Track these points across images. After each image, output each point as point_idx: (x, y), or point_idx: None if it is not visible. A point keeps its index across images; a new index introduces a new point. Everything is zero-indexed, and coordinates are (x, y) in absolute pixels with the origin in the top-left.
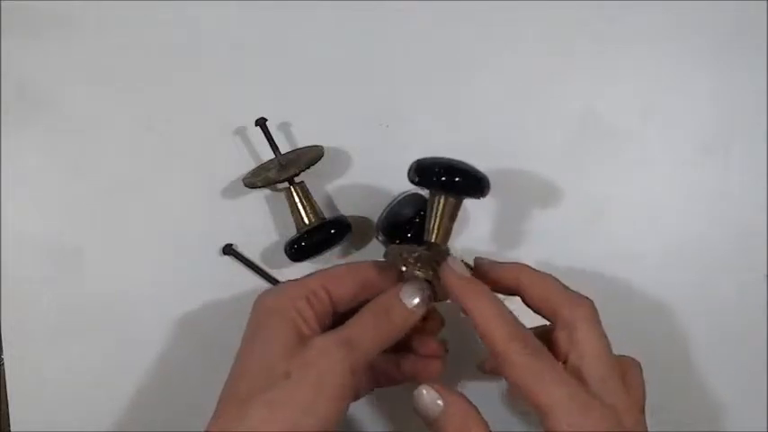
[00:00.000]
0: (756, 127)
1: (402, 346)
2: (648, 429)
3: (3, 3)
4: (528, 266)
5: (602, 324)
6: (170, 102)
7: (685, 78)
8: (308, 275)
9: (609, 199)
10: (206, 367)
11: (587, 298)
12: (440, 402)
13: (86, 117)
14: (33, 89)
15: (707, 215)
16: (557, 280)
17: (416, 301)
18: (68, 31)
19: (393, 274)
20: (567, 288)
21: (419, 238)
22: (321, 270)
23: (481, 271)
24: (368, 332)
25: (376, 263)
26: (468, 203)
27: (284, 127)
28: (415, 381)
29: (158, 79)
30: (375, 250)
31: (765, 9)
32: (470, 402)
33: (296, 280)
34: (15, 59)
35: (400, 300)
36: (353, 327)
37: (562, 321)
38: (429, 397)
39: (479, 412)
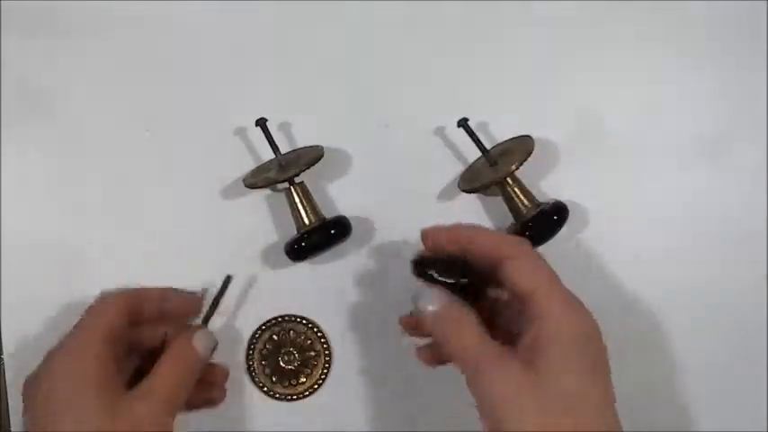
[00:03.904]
0: (756, 127)
1: None
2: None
3: (3, 3)
4: (521, 247)
5: (602, 325)
6: (170, 102)
7: (685, 78)
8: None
9: (609, 199)
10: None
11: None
12: (432, 308)
13: (86, 117)
14: (33, 89)
15: (707, 215)
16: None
17: (207, 347)
18: (68, 31)
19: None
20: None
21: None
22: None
23: (428, 240)
24: (176, 385)
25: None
26: (469, 202)
27: (284, 127)
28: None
29: (158, 79)
30: (375, 250)
31: (765, 9)
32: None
33: (70, 337)
34: (15, 59)
35: (195, 347)
36: (162, 381)
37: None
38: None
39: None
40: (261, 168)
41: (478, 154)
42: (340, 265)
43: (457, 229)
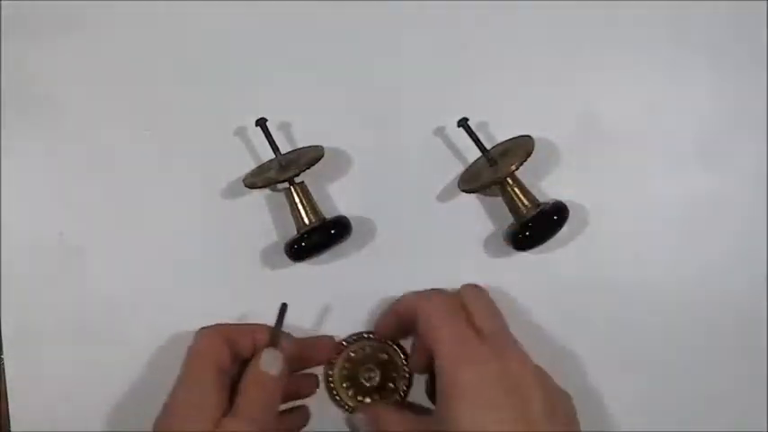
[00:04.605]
0: (756, 127)
1: None
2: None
3: (3, 3)
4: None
5: (603, 325)
6: (170, 102)
7: (685, 78)
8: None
9: (609, 199)
10: None
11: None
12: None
13: (86, 117)
14: (33, 89)
15: (707, 215)
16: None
17: (279, 369)
18: (69, 32)
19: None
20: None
21: None
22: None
23: (388, 320)
24: (260, 408)
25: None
26: (469, 202)
27: (284, 127)
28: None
29: (158, 79)
30: (375, 250)
31: (765, 9)
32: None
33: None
34: (16, 59)
35: (265, 371)
36: (244, 403)
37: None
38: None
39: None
40: (261, 168)
41: (478, 154)
42: (340, 265)
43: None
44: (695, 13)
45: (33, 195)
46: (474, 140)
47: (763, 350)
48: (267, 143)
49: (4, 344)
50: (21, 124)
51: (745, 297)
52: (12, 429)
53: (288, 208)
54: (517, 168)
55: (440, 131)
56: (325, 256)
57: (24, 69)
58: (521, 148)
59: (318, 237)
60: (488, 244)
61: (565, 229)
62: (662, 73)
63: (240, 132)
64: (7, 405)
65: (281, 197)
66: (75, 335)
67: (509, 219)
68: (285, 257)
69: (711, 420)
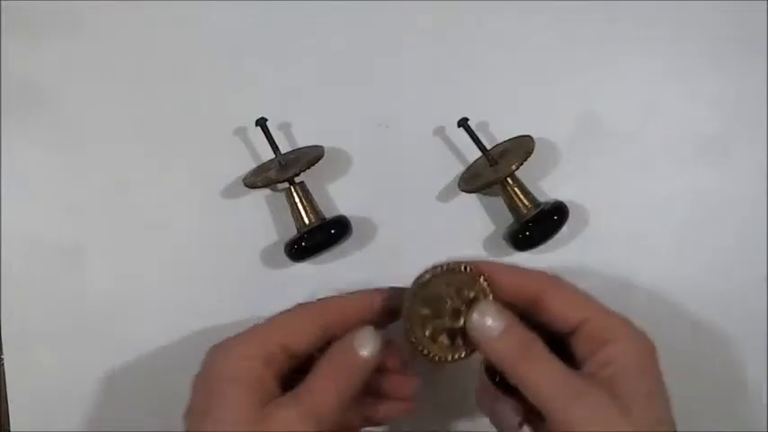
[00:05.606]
0: (756, 127)
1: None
2: None
3: (3, 3)
4: (558, 279)
5: None
6: (170, 102)
7: (685, 78)
8: (264, 328)
9: (609, 199)
10: None
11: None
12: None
13: (86, 117)
14: (33, 89)
15: (707, 215)
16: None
17: (373, 350)
18: (69, 32)
19: (362, 310)
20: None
21: None
22: (278, 319)
23: (496, 277)
24: (331, 396)
25: (342, 300)
26: (469, 202)
27: (284, 127)
28: (381, 423)
29: (158, 79)
30: (375, 250)
31: (765, 9)
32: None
33: (249, 335)
34: (16, 59)
35: (356, 351)
36: (316, 392)
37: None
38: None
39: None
40: (261, 168)
41: (478, 154)
42: (340, 265)
43: (542, 282)
44: (695, 12)
45: (33, 195)
46: (474, 140)
47: (764, 350)
48: (267, 143)
49: (3, 344)
50: (21, 124)
51: (746, 297)
52: (12, 429)
53: (288, 208)
54: (517, 168)
55: (440, 131)
56: (325, 256)
57: (24, 69)
58: (521, 148)
59: (318, 237)
60: (488, 244)
61: (565, 229)
62: (662, 73)
63: (240, 132)
64: (7, 405)
65: (281, 197)
66: (75, 335)
67: (509, 219)
68: (285, 257)
69: (711, 420)
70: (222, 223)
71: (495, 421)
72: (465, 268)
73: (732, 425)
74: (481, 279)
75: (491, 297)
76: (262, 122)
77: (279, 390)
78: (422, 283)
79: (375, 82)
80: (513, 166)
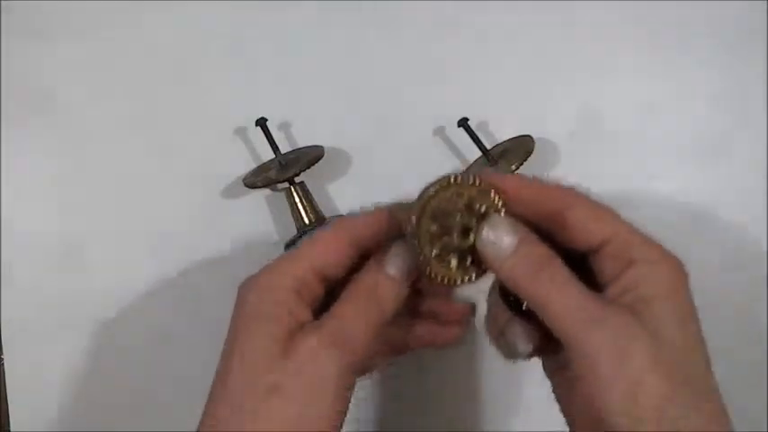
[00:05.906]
0: (757, 126)
1: (413, 309)
2: None
3: (3, 3)
4: (582, 193)
5: None
6: (170, 102)
7: (685, 78)
8: (293, 255)
9: (609, 198)
10: (208, 366)
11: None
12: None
13: (86, 117)
14: (33, 89)
15: (706, 215)
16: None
17: (403, 270)
18: (69, 32)
19: (388, 223)
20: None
21: None
22: (306, 245)
23: (511, 191)
24: (358, 321)
25: (365, 217)
26: None
27: (284, 127)
28: (431, 347)
29: (158, 79)
30: None
31: (765, 9)
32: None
33: (276, 264)
34: (15, 59)
35: (387, 273)
36: (342, 318)
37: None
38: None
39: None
40: (261, 168)
41: (478, 154)
42: None
43: (568, 197)
44: (696, 12)
45: (33, 195)
46: (474, 140)
47: (764, 350)
48: (267, 143)
49: (3, 344)
50: (21, 124)
51: (745, 297)
52: (12, 429)
53: (288, 208)
54: (517, 168)
55: (440, 131)
56: None
57: (24, 70)
58: (521, 147)
59: None
60: None
61: None
62: (662, 73)
63: (240, 132)
64: (7, 405)
65: (281, 197)
66: (75, 334)
67: None
68: None
69: None
70: (222, 223)
71: (504, 349)
72: (476, 181)
73: (732, 425)
74: (492, 192)
75: (503, 212)
76: (262, 122)
77: (313, 319)
78: (429, 195)
79: (375, 82)
80: (513, 166)
